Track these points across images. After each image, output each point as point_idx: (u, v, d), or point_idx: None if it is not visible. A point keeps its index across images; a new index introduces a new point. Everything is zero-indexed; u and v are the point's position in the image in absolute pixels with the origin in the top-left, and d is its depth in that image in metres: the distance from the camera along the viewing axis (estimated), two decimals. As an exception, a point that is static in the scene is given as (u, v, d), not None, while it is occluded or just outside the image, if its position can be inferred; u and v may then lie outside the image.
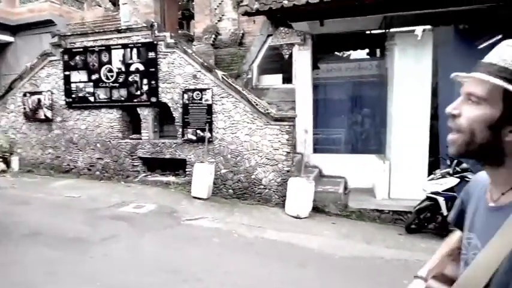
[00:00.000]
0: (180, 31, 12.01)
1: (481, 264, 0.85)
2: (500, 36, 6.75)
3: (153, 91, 7.38)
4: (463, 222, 1.14)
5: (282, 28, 7.18)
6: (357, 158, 7.43)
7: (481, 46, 7.13)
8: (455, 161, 5.35)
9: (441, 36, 6.73)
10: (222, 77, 6.86)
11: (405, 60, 6.37)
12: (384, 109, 7.27)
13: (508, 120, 0.86)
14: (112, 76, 7.68)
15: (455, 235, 1.22)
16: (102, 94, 7.84)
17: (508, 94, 0.84)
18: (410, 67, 6.32)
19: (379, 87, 7.63)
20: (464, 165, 5.33)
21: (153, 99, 7.41)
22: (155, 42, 7.26)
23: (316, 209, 6.28)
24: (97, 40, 7.83)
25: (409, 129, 6.30)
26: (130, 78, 7.53)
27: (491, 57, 0.89)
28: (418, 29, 6.10)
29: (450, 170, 5.33)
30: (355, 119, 8.45)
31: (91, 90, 7.91)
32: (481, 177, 1.08)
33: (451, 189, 5.20)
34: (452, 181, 5.23)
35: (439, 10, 5.88)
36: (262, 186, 6.70)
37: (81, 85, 7.99)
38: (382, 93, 7.35)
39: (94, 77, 7.84)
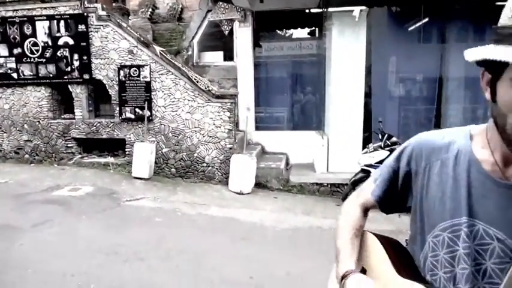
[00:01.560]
0: (114, 3, 11.24)
1: None
2: (427, 19, 7.25)
3: (86, 67, 6.90)
4: (395, 200, 0.97)
5: (221, 3, 7.04)
6: (298, 135, 7.66)
7: (411, 28, 7.61)
8: (386, 135, 5.75)
9: (375, 18, 7.05)
10: (160, 53, 6.61)
11: (342, 39, 6.59)
12: (322, 87, 7.52)
13: None
14: (37, 50, 7.03)
15: (355, 211, 1.04)
16: (27, 70, 7.16)
17: None
18: (347, 47, 6.56)
19: (318, 66, 7.85)
20: (394, 139, 5.75)
21: (86, 76, 6.94)
22: (85, 14, 6.74)
23: (259, 185, 6.43)
24: (17, 10, 7.06)
25: (345, 106, 6.60)
26: (58, 53, 6.95)
27: None
28: (356, 10, 6.32)
29: (381, 144, 5.72)
30: (296, 97, 8.67)
31: (13, 65, 7.19)
32: (432, 143, 0.88)
33: (382, 162, 5.60)
34: (383, 154, 5.62)
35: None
36: (205, 164, 6.68)
37: (1, 60, 7.22)
38: (321, 72, 7.59)
39: (16, 51, 7.11)
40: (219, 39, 8.11)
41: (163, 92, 6.70)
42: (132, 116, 6.82)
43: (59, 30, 6.90)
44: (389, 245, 0.97)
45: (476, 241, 0.78)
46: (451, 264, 0.81)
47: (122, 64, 6.78)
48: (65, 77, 7.04)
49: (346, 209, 1.09)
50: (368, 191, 1.03)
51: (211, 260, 3.75)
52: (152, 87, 6.71)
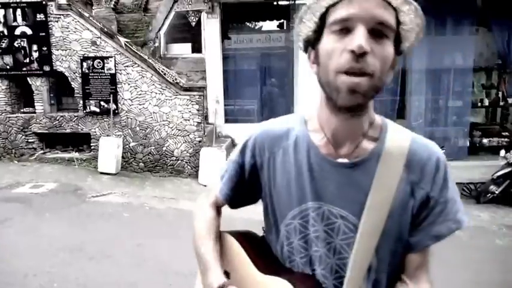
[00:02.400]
0: (76, -8, 10.77)
1: (372, 220, 0.78)
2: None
3: (46, 59, 6.59)
4: (244, 195, 0.95)
5: (188, -6, 6.91)
6: (268, 127, 7.68)
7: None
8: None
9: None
10: (126, 44, 6.42)
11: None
12: (291, 79, 7.58)
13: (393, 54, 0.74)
14: (-8, 41, 6.64)
15: (210, 213, 0.98)
16: (-19, 62, 6.76)
17: (398, 20, 0.73)
18: (314, 39, 6.61)
19: (287, 58, 7.89)
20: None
21: (46, 68, 6.63)
22: (44, 2, 6.42)
23: (229, 178, 6.42)
24: (-31, -3, 6.64)
25: (312, 98, 6.68)
26: (16, 44, 6.60)
27: None
28: (322, 2, 6.35)
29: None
30: (266, 89, 8.69)
31: (-34, 56, 6.76)
32: (272, 133, 0.88)
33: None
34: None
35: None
36: (174, 158, 6.59)
37: (-47, 51, 6.77)
38: (290, 64, 7.63)
39: (-31, 41, 6.70)
40: (187, 31, 7.95)
41: (129, 84, 6.53)
42: (97, 110, 6.60)
43: (15, 19, 6.54)
44: (247, 241, 0.96)
45: (324, 222, 0.81)
46: (305, 248, 0.84)
47: (85, 56, 6.54)
48: (24, 69, 6.71)
49: (200, 211, 1.00)
50: (217, 189, 0.98)
51: (180, 254, 3.72)
52: (117, 80, 6.52)
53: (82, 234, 4.11)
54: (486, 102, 7.65)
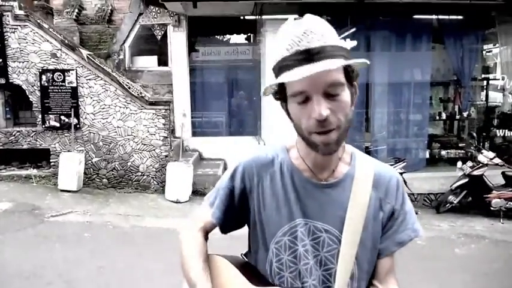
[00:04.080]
0: (36, 1, 10.39)
1: (350, 235, 0.89)
2: (354, 29, 7.69)
3: (1, 71, 6.26)
4: (234, 218, 1.01)
5: (153, 7, 6.83)
6: (235, 140, 7.67)
7: (340, 37, 8.01)
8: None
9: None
10: (88, 57, 6.23)
11: (276, 46, 6.72)
12: (258, 92, 7.62)
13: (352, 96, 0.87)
14: None
15: (198, 238, 1.02)
16: None
17: (346, 71, 0.84)
18: (280, 53, 6.69)
19: (254, 71, 7.95)
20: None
21: (2, 81, 6.29)
22: (-1, 12, 6.15)
23: (197, 192, 6.33)
24: None
25: (280, 111, 6.74)
26: (-32, 55, 6.25)
27: (317, 41, 0.83)
28: (291, 18, 6.47)
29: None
30: (233, 102, 8.69)
31: None
32: (259, 161, 0.99)
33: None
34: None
35: (306, 1, 6.34)
36: (139, 173, 6.42)
37: None
38: (257, 77, 7.69)
39: None
40: (153, 44, 7.86)
41: (91, 98, 6.32)
42: (57, 124, 6.34)
43: (-33, 30, 6.20)
44: (235, 261, 1.02)
45: (311, 236, 0.91)
46: (294, 263, 0.92)
47: (44, 68, 6.28)
48: (-24, 82, 6.34)
49: (188, 237, 1.04)
50: (207, 215, 1.02)
51: (144, 274, 3.60)
52: (79, 93, 6.30)
53: (39, 257, 3.89)
54: (444, 115, 8.04)
